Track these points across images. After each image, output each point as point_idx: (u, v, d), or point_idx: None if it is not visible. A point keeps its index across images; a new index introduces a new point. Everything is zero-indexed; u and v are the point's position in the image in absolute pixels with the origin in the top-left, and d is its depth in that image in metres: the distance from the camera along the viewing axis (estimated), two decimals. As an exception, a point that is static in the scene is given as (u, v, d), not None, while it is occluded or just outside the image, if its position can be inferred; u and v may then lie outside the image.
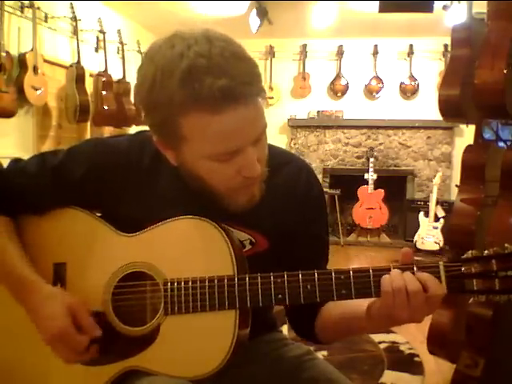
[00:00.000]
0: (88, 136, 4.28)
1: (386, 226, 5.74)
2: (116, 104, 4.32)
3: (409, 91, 5.92)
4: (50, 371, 0.96)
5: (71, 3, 3.91)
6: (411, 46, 5.83)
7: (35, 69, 3.42)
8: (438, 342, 2.25)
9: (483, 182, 2.11)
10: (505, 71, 1.78)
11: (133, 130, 4.58)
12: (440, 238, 4.95)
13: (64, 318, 0.89)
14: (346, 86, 6.00)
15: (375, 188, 5.60)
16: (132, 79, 4.68)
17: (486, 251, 0.81)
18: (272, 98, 5.98)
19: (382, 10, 4.17)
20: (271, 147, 0.97)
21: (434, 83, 5.67)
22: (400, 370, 2.58)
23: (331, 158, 6.03)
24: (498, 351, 1.92)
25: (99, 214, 1.02)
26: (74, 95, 3.82)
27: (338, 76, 6.02)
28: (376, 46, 5.89)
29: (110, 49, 4.45)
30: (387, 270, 0.83)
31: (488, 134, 2.32)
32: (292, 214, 1.01)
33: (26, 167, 1.01)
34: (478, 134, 2.28)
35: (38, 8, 3.58)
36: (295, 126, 6.02)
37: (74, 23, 3.96)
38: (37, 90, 3.45)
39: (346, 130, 5.99)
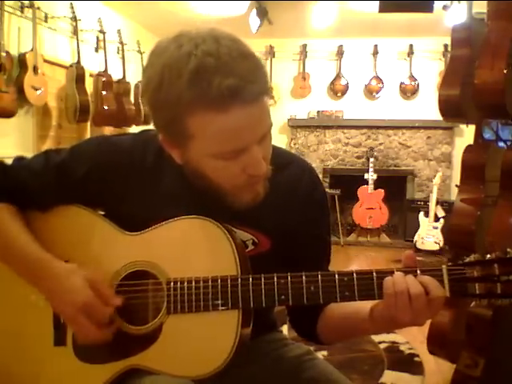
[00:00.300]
0: (88, 136, 4.27)
1: (386, 225, 5.74)
2: (116, 104, 4.31)
3: (409, 91, 5.92)
4: (50, 369, 0.96)
5: (71, 3, 3.91)
6: (411, 46, 5.83)
7: (35, 69, 3.41)
8: (438, 342, 2.25)
9: (483, 182, 2.11)
10: (505, 71, 1.78)
11: (133, 130, 4.57)
12: (440, 238, 4.95)
13: (87, 291, 0.89)
14: (346, 86, 6.00)
15: (375, 188, 5.60)
16: (132, 79, 4.68)
17: (488, 255, 0.81)
18: (272, 97, 5.98)
19: (381, 10, 4.17)
20: (274, 147, 0.97)
21: (434, 83, 5.67)
22: (400, 369, 2.58)
23: (331, 158, 6.03)
24: (498, 351, 1.92)
25: (102, 213, 1.02)
26: (74, 95, 3.81)
27: (338, 76, 6.02)
28: (376, 46, 5.89)
29: (110, 49, 4.45)
30: (390, 273, 0.83)
31: (488, 134, 2.32)
32: (294, 215, 1.01)
33: (30, 164, 1.02)
34: (478, 134, 2.28)
35: (38, 8, 3.58)
36: (295, 125, 6.02)
37: (74, 23, 3.95)
38: (37, 89, 3.45)
39: (346, 130, 5.99)
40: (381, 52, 5.91)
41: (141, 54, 4.94)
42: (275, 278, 0.87)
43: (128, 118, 4.47)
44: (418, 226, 5.14)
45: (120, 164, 0.98)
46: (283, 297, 0.86)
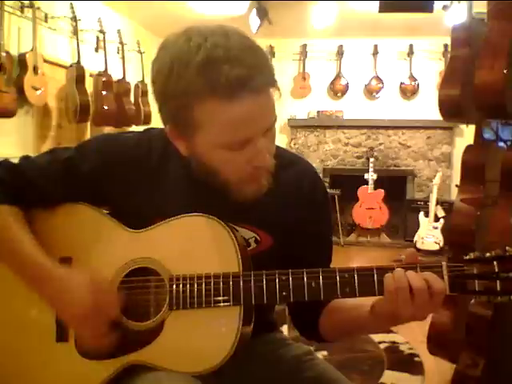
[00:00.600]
0: (88, 136, 4.28)
1: (386, 226, 5.73)
2: (116, 104, 4.31)
3: (409, 91, 5.92)
4: (52, 365, 0.97)
5: (71, 3, 3.91)
6: (411, 46, 5.82)
7: (35, 69, 3.41)
8: (438, 342, 2.25)
9: (483, 182, 2.12)
10: (505, 71, 1.78)
11: (133, 130, 4.57)
12: (440, 238, 4.95)
13: (87, 299, 0.90)
14: (346, 86, 6.00)
15: (375, 188, 5.60)
16: (132, 79, 4.69)
17: (487, 254, 0.82)
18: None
19: (381, 10, 4.17)
20: (277, 147, 0.99)
21: (434, 83, 5.67)
22: (400, 370, 2.58)
23: (331, 158, 6.03)
24: (498, 351, 1.92)
25: (107, 212, 1.03)
26: (74, 95, 3.81)
27: (338, 76, 6.01)
28: (376, 46, 5.88)
29: (110, 49, 4.45)
30: (391, 269, 0.84)
31: (488, 134, 2.32)
32: (296, 214, 1.02)
33: (36, 162, 1.03)
34: (478, 134, 2.29)
35: (38, 8, 3.58)
36: (295, 126, 6.01)
37: (74, 23, 3.95)
38: (37, 90, 3.45)
39: (346, 130, 5.99)
40: (381, 52, 5.91)
41: (141, 54, 4.94)
42: (277, 275, 0.88)
43: (128, 117, 4.47)
44: (418, 226, 5.14)
45: (126, 161, 1.00)
46: (284, 293, 0.87)
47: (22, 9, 3.48)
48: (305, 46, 6.02)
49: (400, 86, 5.94)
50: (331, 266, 1.06)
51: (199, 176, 0.95)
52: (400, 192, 5.85)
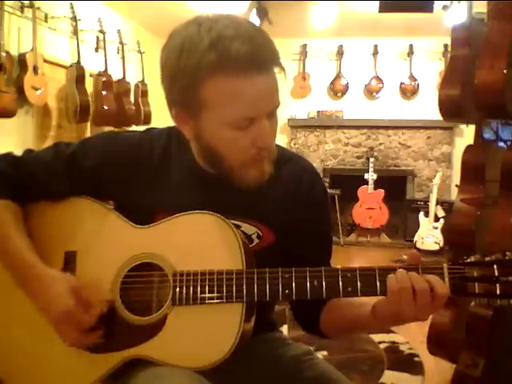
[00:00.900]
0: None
1: (386, 226, 5.73)
2: (116, 104, 4.31)
3: (409, 91, 5.92)
4: (52, 358, 0.97)
5: (71, 3, 3.91)
6: (411, 46, 5.82)
7: (35, 69, 3.41)
8: (438, 342, 2.25)
9: (483, 182, 2.11)
10: (505, 71, 1.78)
11: (133, 130, 4.57)
12: (440, 238, 4.95)
13: (69, 298, 0.91)
14: (346, 86, 6.00)
15: (375, 188, 5.60)
16: (132, 79, 4.68)
17: (487, 258, 0.84)
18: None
19: (381, 10, 4.18)
20: (276, 145, 1.01)
21: (434, 83, 5.67)
22: (400, 370, 2.57)
23: (331, 158, 6.03)
24: (498, 351, 1.92)
25: (112, 206, 1.04)
26: (74, 95, 3.81)
27: (338, 76, 6.01)
28: (376, 46, 5.88)
29: (110, 49, 4.45)
30: (393, 270, 0.85)
31: (488, 134, 2.32)
32: (295, 210, 1.03)
33: (40, 156, 1.05)
34: (478, 134, 2.28)
35: (38, 8, 3.58)
36: (295, 126, 6.01)
37: (74, 23, 3.95)
38: (37, 90, 3.44)
39: (346, 130, 5.98)
40: (381, 52, 5.91)
41: (141, 54, 4.94)
42: (280, 273, 0.89)
43: (128, 117, 4.47)
44: (418, 226, 5.14)
45: (128, 157, 1.01)
46: (287, 291, 0.88)
47: (21, 9, 3.48)
48: (305, 45, 6.02)
49: (400, 86, 5.94)
50: (331, 266, 1.07)
51: (201, 170, 0.98)
52: (400, 192, 5.85)
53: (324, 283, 0.88)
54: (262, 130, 0.90)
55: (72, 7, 3.90)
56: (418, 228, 5.14)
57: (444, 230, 4.90)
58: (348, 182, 5.71)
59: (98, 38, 4.35)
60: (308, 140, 6.04)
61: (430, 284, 0.82)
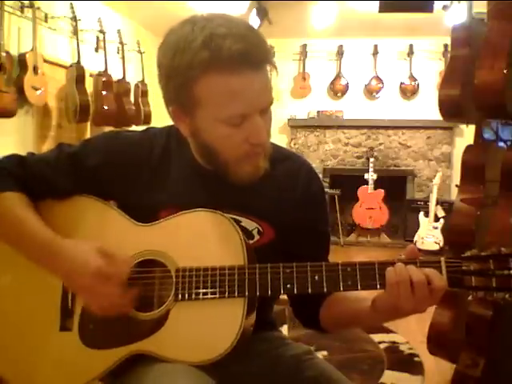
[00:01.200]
0: (88, 136, 4.27)
1: (386, 226, 5.73)
2: (116, 104, 4.31)
3: (409, 91, 5.92)
4: (54, 354, 0.98)
5: (71, 3, 3.91)
6: (411, 46, 5.82)
7: (35, 69, 3.41)
8: (438, 342, 2.25)
9: (483, 182, 2.11)
10: (505, 71, 1.78)
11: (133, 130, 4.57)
12: (440, 238, 4.95)
13: (98, 257, 0.92)
14: (346, 86, 6.00)
15: (375, 188, 5.60)
16: (132, 79, 4.68)
17: (483, 253, 0.86)
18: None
19: (382, 10, 4.18)
20: (272, 144, 1.03)
21: (434, 83, 5.67)
22: (400, 370, 2.57)
23: (331, 158, 6.03)
24: (498, 351, 1.92)
25: (115, 204, 1.05)
26: (74, 95, 3.81)
27: (338, 76, 6.01)
28: (376, 46, 5.88)
29: (110, 49, 4.45)
30: (392, 264, 0.87)
31: (488, 134, 2.32)
32: (293, 207, 1.05)
33: (44, 156, 1.07)
34: (478, 134, 2.28)
35: (38, 8, 3.58)
36: (295, 126, 6.01)
37: (74, 23, 3.95)
38: (37, 90, 3.44)
39: (346, 130, 5.98)
40: (381, 52, 5.91)
41: (141, 54, 4.94)
42: (281, 268, 0.90)
43: (128, 117, 4.47)
44: (418, 226, 5.14)
45: (130, 156, 1.03)
46: (289, 285, 0.90)
47: (22, 9, 3.48)
48: (305, 45, 6.02)
49: (400, 86, 5.94)
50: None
51: (201, 167, 1.00)
52: (400, 192, 5.85)
53: (325, 277, 0.89)
54: (254, 127, 0.91)
55: (72, 7, 3.90)
56: (418, 228, 5.14)
57: (444, 230, 4.89)
58: (348, 181, 5.71)
59: (97, 38, 4.35)
60: (308, 140, 6.04)
61: (428, 277, 0.84)
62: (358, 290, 0.89)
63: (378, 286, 0.87)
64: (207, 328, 0.92)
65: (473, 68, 1.88)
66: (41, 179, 1.03)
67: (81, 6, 4.06)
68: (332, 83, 6.04)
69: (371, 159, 5.63)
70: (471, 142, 2.30)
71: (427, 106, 5.58)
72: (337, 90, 6.02)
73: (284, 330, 2.82)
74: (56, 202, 1.04)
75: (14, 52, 3.36)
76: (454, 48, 2.23)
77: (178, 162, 1.04)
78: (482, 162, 2.13)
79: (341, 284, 0.89)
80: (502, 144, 2.30)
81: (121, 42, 4.60)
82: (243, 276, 0.91)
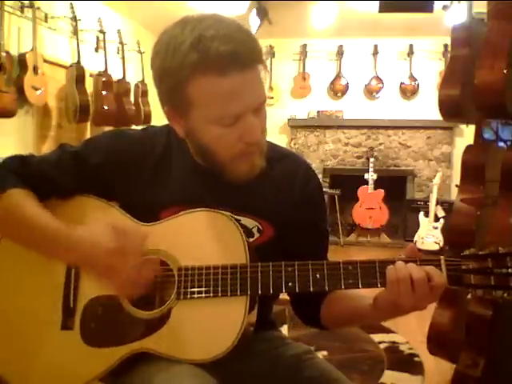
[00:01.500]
0: (88, 136, 4.27)
1: (386, 226, 5.73)
2: (116, 104, 4.31)
3: (409, 91, 5.92)
4: (55, 352, 0.98)
5: (71, 3, 3.91)
6: (411, 46, 5.82)
7: (35, 69, 3.41)
8: (438, 342, 2.25)
9: (483, 182, 2.11)
10: (505, 71, 1.78)
11: (133, 129, 4.57)
12: (440, 238, 4.95)
13: (112, 235, 0.91)
14: (346, 86, 6.00)
15: (375, 188, 5.60)
16: (132, 79, 4.68)
17: (481, 252, 0.87)
18: (272, 98, 5.96)
19: (382, 10, 4.18)
20: (270, 143, 1.04)
21: (434, 83, 5.67)
22: (400, 370, 2.57)
23: (331, 158, 6.03)
24: (498, 351, 1.92)
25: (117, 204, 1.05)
26: (74, 95, 3.81)
27: (338, 76, 6.01)
28: (376, 46, 5.88)
29: (110, 49, 4.45)
30: (392, 262, 0.88)
31: (488, 134, 2.32)
32: (291, 205, 1.05)
33: (47, 157, 1.07)
34: (478, 134, 2.28)
35: (38, 8, 3.58)
36: (295, 126, 6.02)
37: (74, 23, 3.95)
38: (37, 89, 3.45)
39: (346, 130, 5.99)
40: (381, 52, 5.91)
41: (141, 53, 4.94)
42: (283, 266, 0.91)
43: (128, 117, 4.47)
44: (418, 226, 5.14)
45: (132, 154, 1.03)
46: (290, 284, 0.90)
47: (22, 9, 3.48)
48: (305, 45, 6.02)
49: (400, 86, 5.94)
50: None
51: (200, 166, 1.01)
52: (400, 192, 5.85)
53: (326, 275, 0.90)
54: (248, 126, 0.92)
55: (72, 7, 3.91)
56: (418, 228, 5.14)
57: (444, 230, 4.89)
58: (348, 181, 5.71)
59: (97, 38, 4.35)
60: (308, 140, 6.04)
61: (428, 274, 0.85)
62: (359, 288, 0.89)
63: (379, 284, 0.88)
64: (209, 326, 0.92)
65: (473, 68, 1.88)
66: (44, 179, 1.03)
67: (81, 6, 4.06)
68: (332, 83, 6.04)
69: (371, 159, 5.63)
70: (471, 142, 2.30)
71: (427, 106, 5.58)
72: (337, 90, 6.03)
73: (284, 329, 2.82)
74: (58, 201, 1.04)
75: (14, 52, 3.37)
76: (454, 48, 2.23)
77: (178, 160, 1.04)
78: (482, 162, 2.13)
79: (342, 282, 0.89)
80: (502, 144, 2.30)
81: (121, 42, 4.60)
82: (245, 274, 0.91)
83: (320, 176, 5.72)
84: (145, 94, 4.81)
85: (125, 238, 0.91)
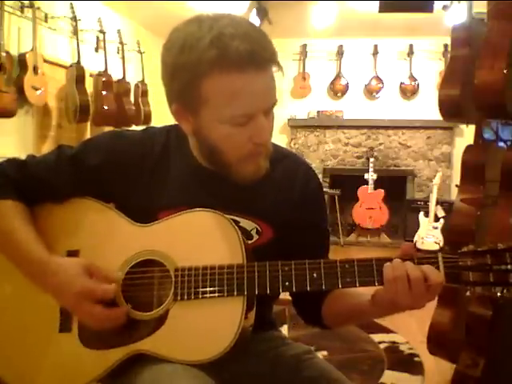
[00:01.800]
0: (88, 136, 4.27)
1: (386, 226, 5.74)
2: (116, 104, 4.31)
3: (409, 91, 5.92)
4: (54, 355, 0.98)
5: (71, 3, 3.91)
6: (411, 46, 5.83)
7: (35, 69, 3.41)
8: (438, 342, 2.25)
9: (483, 182, 2.11)
10: (505, 71, 1.78)
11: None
12: (440, 238, 4.95)
13: (82, 277, 0.93)
14: (346, 86, 6.00)
15: (375, 188, 5.60)
16: (132, 79, 4.68)
17: (480, 248, 0.86)
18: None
19: (382, 10, 4.18)
20: (272, 143, 1.02)
21: (434, 83, 5.67)
22: (400, 370, 2.57)
23: (331, 158, 6.03)
24: (498, 351, 1.92)
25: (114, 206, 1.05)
26: (74, 95, 3.81)
27: (338, 76, 6.02)
28: (376, 46, 5.89)
29: (110, 49, 4.45)
30: (389, 260, 0.88)
31: (488, 134, 2.32)
32: (292, 206, 1.05)
33: (44, 159, 1.06)
34: (478, 134, 2.28)
35: (38, 8, 3.58)
36: (295, 126, 6.02)
37: (74, 23, 3.95)
38: (37, 89, 3.44)
39: (346, 130, 5.99)
40: (381, 52, 5.91)
41: (141, 54, 4.94)
42: (280, 266, 0.91)
43: (128, 117, 4.47)
44: (418, 226, 5.14)
45: (131, 155, 1.03)
46: (287, 283, 0.90)
47: (22, 9, 3.48)
48: (305, 46, 6.02)
49: (400, 86, 5.94)
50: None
51: (200, 167, 1.01)
52: (400, 192, 5.85)
53: (323, 275, 0.89)
54: (259, 127, 0.92)
55: (72, 7, 3.91)
56: (417, 228, 5.13)
57: (444, 230, 4.89)
58: (348, 181, 5.71)
59: (97, 38, 4.35)
60: (308, 140, 6.04)
61: (425, 274, 0.84)
62: (356, 286, 0.89)
63: (376, 283, 0.88)
64: (206, 327, 0.92)
65: (473, 68, 1.88)
66: (41, 182, 1.03)
67: (81, 6, 4.06)
68: (332, 83, 6.04)
69: (371, 159, 5.63)
70: (471, 141, 2.30)
71: (427, 106, 5.58)
72: (337, 89, 6.03)
73: (284, 329, 2.82)
74: (56, 204, 1.04)
75: (14, 52, 3.37)
76: (454, 48, 2.23)
77: (177, 160, 1.04)
78: (482, 161, 2.13)
79: (339, 281, 0.89)
80: (501, 144, 2.30)
81: (121, 42, 4.60)
82: (242, 274, 0.91)
83: (320, 176, 5.72)
84: (145, 93, 4.80)
85: (96, 281, 0.92)
